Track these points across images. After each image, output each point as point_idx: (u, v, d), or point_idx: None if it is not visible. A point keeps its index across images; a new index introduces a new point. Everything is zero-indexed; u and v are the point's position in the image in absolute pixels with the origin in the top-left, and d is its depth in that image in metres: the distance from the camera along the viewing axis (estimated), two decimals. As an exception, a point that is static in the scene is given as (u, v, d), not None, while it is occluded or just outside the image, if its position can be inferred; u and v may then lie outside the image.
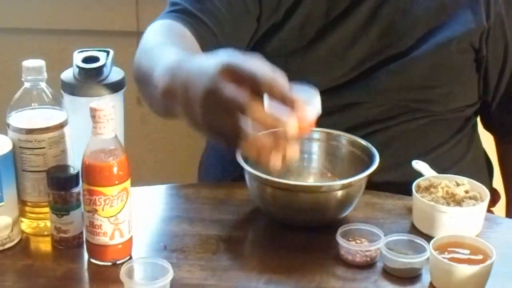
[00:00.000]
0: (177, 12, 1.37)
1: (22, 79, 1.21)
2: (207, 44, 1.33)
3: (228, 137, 1.04)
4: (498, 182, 1.66)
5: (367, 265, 1.19)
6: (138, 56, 1.28)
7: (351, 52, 1.44)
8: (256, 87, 1.01)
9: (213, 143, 1.60)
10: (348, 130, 1.41)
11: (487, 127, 1.62)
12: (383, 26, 1.44)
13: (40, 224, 1.25)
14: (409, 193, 1.29)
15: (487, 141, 1.67)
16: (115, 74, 1.28)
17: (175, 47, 1.22)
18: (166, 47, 1.23)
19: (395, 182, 1.41)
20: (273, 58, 1.12)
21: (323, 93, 1.36)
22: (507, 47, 1.49)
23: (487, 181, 1.57)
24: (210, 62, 1.04)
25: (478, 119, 1.59)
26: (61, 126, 1.22)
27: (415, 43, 1.44)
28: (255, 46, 1.45)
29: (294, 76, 1.11)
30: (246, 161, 1.27)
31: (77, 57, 1.27)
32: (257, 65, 1.03)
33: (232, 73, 1.02)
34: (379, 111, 1.45)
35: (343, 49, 1.44)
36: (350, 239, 1.20)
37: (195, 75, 1.05)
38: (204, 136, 1.19)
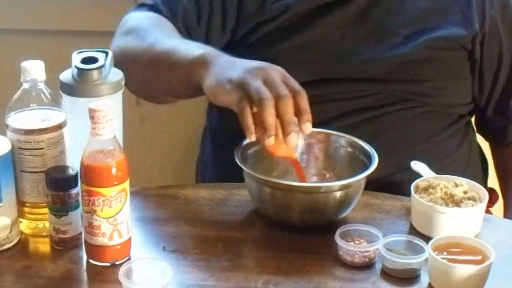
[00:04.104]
0: (150, 7, 1.50)
1: (21, 80, 1.21)
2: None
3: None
4: (496, 182, 1.66)
5: (366, 266, 1.19)
6: (127, 31, 1.44)
7: (340, 47, 1.46)
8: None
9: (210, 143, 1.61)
10: (340, 117, 1.42)
11: (483, 133, 1.64)
12: (373, 25, 1.46)
13: (39, 224, 1.25)
14: (400, 183, 1.29)
15: (484, 141, 1.67)
16: (114, 74, 1.27)
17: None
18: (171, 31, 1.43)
19: (388, 172, 1.42)
20: (262, 46, 1.33)
21: (314, 83, 1.39)
22: (501, 53, 1.50)
23: (480, 178, 1.58)
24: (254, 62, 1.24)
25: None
26: (60, 127, 1.22)
27: (403, 40, 1.46)
28: (243, 36, 1.48)
29: (281, 65, 1.17)
30: (244, 161, 1.27)
31: (76, 58, 1.27)
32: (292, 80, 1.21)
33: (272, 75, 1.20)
34: (372, 100, 1.47)
35: (332, 44, 1.46)
36: (349, 240, 1.20)
37: (237, 61, 1.25)
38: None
